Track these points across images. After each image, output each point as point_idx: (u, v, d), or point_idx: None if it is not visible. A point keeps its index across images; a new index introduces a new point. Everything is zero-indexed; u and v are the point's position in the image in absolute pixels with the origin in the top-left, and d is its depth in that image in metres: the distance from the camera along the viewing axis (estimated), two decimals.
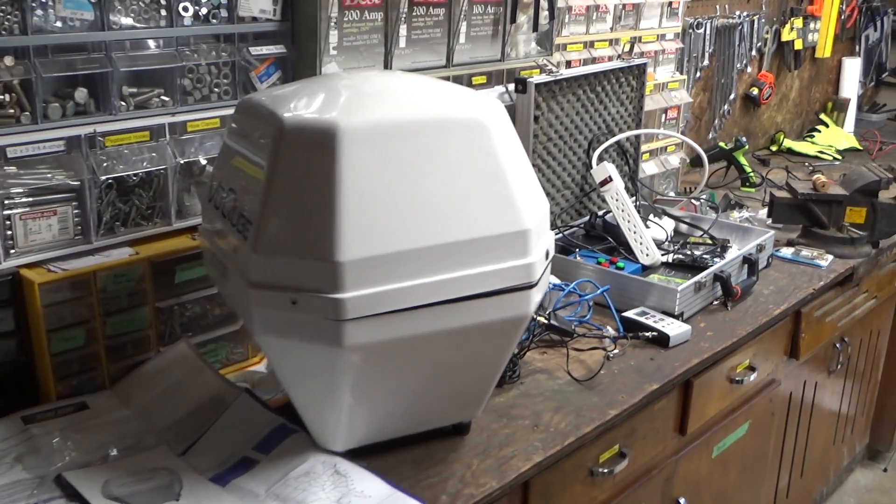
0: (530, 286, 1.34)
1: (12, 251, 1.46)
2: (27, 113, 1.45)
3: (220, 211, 1.38)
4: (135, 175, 1.58)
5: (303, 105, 1.29)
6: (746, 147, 3.02)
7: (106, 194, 1.56)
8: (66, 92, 1.50)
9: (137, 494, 1.32)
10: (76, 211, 1.52)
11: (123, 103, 1.56)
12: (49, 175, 1.47)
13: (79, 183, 1.51)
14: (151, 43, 1.58)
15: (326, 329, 1.23)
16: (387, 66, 1.87)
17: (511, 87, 2.13)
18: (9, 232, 1.45)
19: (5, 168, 1.43)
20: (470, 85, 2.07)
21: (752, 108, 3.42)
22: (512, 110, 2.15)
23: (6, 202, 1.44)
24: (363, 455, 1.44)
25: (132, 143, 1.56)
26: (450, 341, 1.32)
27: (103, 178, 1.53)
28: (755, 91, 3.32)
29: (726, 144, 3.04)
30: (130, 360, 1.61)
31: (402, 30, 1.87)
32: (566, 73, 2.20)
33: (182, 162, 1.62)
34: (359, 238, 1.21)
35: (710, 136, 3.21)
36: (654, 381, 1.75)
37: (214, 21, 1.64)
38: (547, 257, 1.40)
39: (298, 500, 1.30)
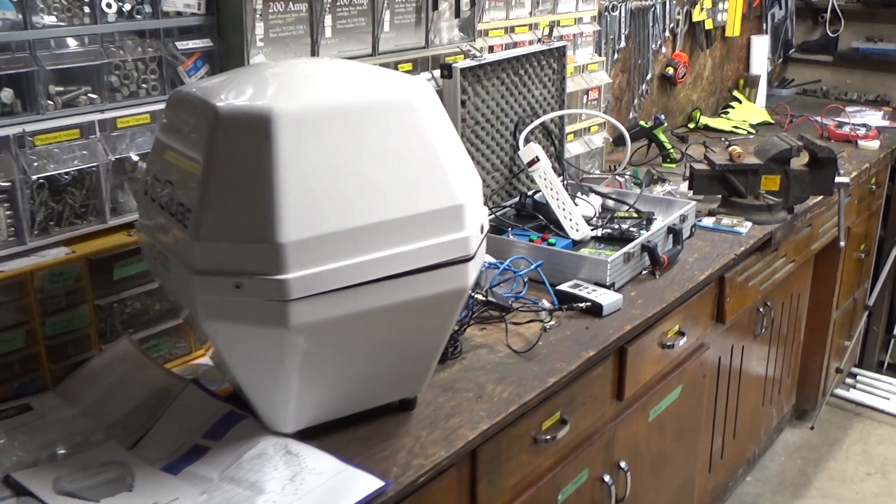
0: (467, 259, 1.39)
1: None
2: None
3: (157, 203, 1.39)
4: (66, 174, 1.57)
5: (234, 93, 1.31)
6: (666, 125, 3.13)
7: (38, 194, 1.55)
8: None
9: (90, 488, 1.32)
10: (8, 212, 1.51)
11: (51, 102, 1.55)
12: None
13: (9, 184, 1.50)
14: (75, 41, 1.57)
15: (271, 311, 1.25)
16: (314, 55, 1.90)
17: (437, 73, 2.17)
18: None
19: None
20: None
21: (668, 88, 3.53)
22: (439, 96, 2.19)
23: None
24: (313, 435, 1.47)
25: (62, 141, 1.55)
26: (393, 317, 1.36)
27: (34, 177, 1.52)
28: (671, 71, 3.43)
29: (646, 123, 3.13)
30: (72, 360, 1.60)
31: (328, 20, 1.90)
32: (489, 57, 2.25)
33: (114, 159, 1.62)
34: (299, 219, 1.24)
35: (631, 115, 3.30)
36: (591, 348, 1.81)
37: (139, 17, 1.64)
38: (482, 231, 1.45)
39: (252, 481, 1.32)
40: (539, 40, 2.53)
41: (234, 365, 1.38)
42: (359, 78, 1.40)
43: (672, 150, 3.12)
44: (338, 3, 1.91)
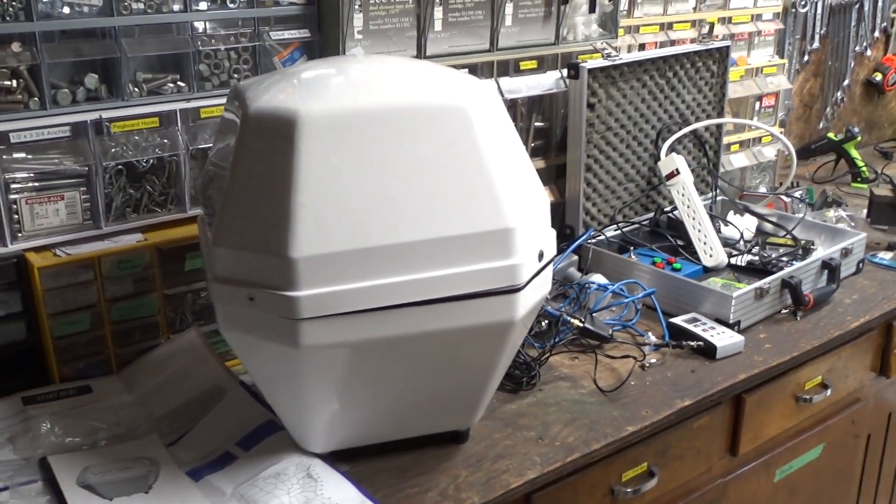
0: (516, 289, 1.23)
1: (19, 234, 1.49)
2: (35, 98, 1.46)
3: (204, 201, 1.35)
4: (145, 161, 1.57)
5: (275, 91, 1.23)
6: (859, 138, 2.74)
7: (116, 180, 1.56)
8: (80, 78, 1.51)
9: (109, 484, 1.31)
10: (85, 196, 1.53)
11: (136, 89, 1.55)
12: (56, 160, 1.48)
13: (86, 168, 1.51)
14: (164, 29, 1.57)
15: (283, 328, 1.17)
16: (420, 50, 1.79)
17: (566, 72, 1.99)
18: (15, 216, 1.47)
19: (12, 153, 1.45)
20: (517, 71, 1.95)
21: (875, 96, 3.10)
22: (566, 98, 2.02)
23: (12, 186, 1.46)
24: (349, 458, 1.38)
25: (141, 129, 1.55)
26: (424, 346, 1.24)
27: (111, 163, 1.53)
28: (878, 76, 3.00)
29: (836, 135, 2.76)
30: (139, 346, 1.61)
31: (438, 12, 1.78)
32: (628, 57, 2.04)
33: (192, 149, 1.60)
34: (315, 233, 1.14)
35: (822, 125, 2.93)
36: (688, 397, 1.59)
37: (232, 5, 1.61)
38: (541, 259, 1.28)
39: (259, 502, 1.25)
40: (699, 39, 2.26)
41: (256, 377, 1.32)
42: (413, 79, 1.28)
43: (864, 168, 2.72)
44: None
